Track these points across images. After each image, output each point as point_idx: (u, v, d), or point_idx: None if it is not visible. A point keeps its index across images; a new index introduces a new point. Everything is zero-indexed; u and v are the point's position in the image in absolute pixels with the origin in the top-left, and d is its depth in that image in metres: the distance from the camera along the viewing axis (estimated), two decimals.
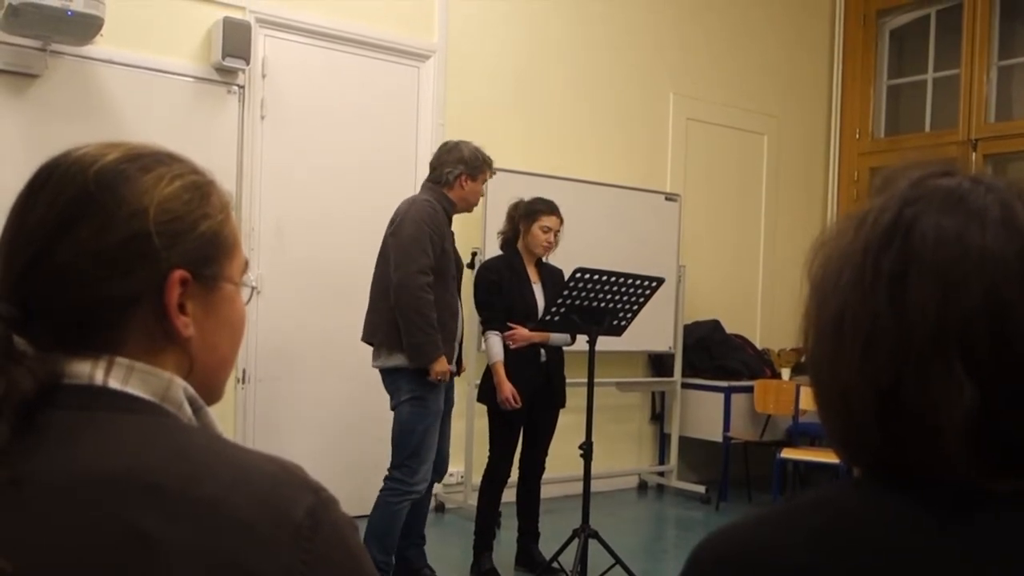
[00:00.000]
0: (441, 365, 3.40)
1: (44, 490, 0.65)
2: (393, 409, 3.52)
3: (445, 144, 3.71)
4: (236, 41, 4.30)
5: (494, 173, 3.78)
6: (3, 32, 3.79)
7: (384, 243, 3.56)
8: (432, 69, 5.06)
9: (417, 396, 3.43)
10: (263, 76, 4.55)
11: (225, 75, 4.41)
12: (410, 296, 3.36)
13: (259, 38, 4.51)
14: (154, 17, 4.23)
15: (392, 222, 3.54)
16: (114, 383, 0.71)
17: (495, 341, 3.79)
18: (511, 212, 3.98)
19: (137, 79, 4.18)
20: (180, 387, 0.74)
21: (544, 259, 3.99)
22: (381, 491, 3.46)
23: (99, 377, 0.71)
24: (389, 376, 3.50)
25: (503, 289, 3.82)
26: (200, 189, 0.77)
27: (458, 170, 3.57)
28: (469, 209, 3.74)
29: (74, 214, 0.72)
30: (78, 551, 0.63)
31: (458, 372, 3.75)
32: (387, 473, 3.49)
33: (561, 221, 3.91)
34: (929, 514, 0.62)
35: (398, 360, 3.44)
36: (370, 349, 3.60)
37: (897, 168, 0.69)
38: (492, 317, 3.83)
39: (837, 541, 0.62)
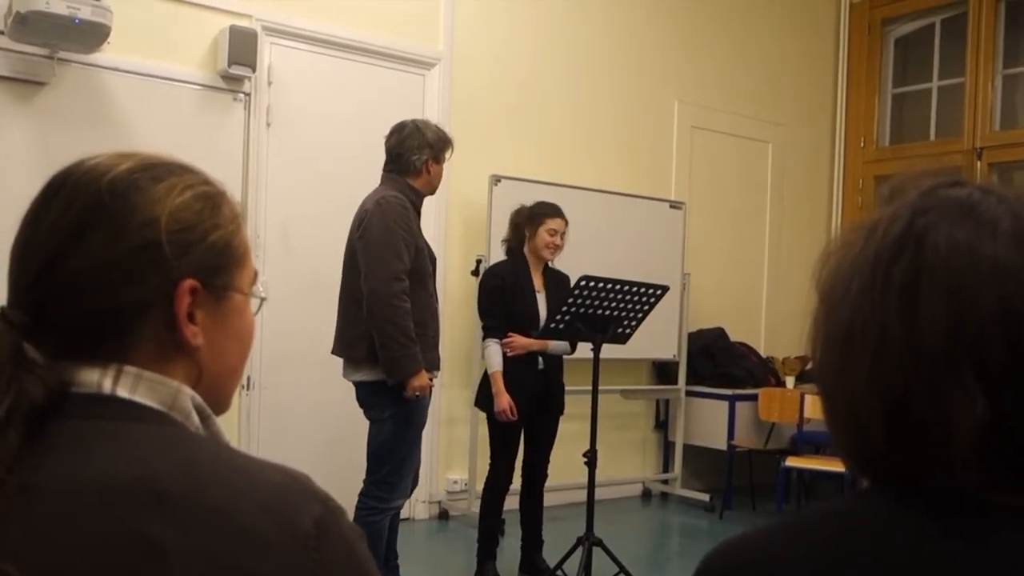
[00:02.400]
0: (420, 380, 3.11)
1: (53, 497, 0.65)
2: (372, 422, 3.27)
3: (401, 127, 3.36)
4: (242, 49, 4.32)
5: (453, 150, 3.46)
6: (11, 40, 3.81)
7: (351, 247, 3.29)
8: (437, 77, 5.07)
9: (403, 412, 3.19)
10: (269, 84, 4.56)
11: (231, 83, 4.42)
12: (385, 306, 3.08)
13: (265, 46, 4.52)
14: (161, 25, 4.25)
15: (359, 222, 3.26)
16: (122, 392, 0.71)
17: (495, 350, 3.78)
18: (514, 219, 3.97)
19: (144, 87, 4.19)
20: (188, 396, 0.74)
21: (550, 263, 3.99)
22: (358, 509, 3.21)
23: (107, 386, 0.71)
24: (370, 388, 3.22)
25: (506, 295, 3.82)
26: (211, 200, 0.78)
27: (425, 155, 3.28)
28: (433, 192, 3.43)
29: (87, 222, 0.72)
30: (86, 558, 0.63)
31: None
32: (363, 488, 3.25)
33: (566, 223, 3.90)
34: (937, 526, 0.62)
35: (380, 373, 3.18)
36: None
37: (906, 177, 0.69)
38: (494, 325, 3.82)
39: (844, 553, 0.62)
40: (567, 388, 4.00)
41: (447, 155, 3.39)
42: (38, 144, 3.91)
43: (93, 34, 3.76)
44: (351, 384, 3.23)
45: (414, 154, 3.28)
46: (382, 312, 3.10)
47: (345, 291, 3.33)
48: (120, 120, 4.13)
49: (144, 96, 4.19)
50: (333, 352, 3.40)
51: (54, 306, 0.72)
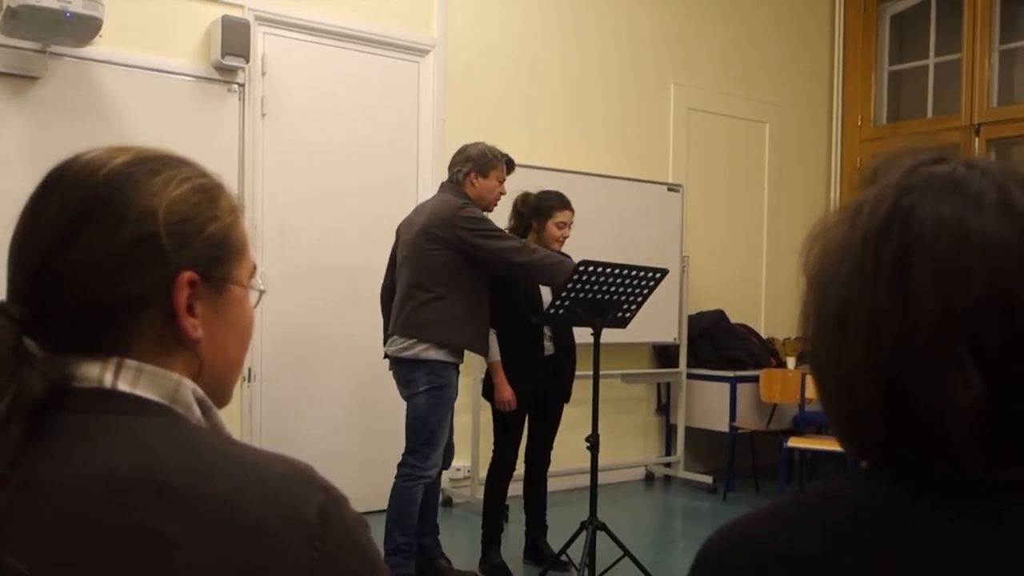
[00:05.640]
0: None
1: (56, 493, 0.65)
2: (407, 398, 3.58)
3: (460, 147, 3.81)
4: (235, 39, 4.30)
5: (512, 168, 3.76)
6: (2, 34, 3.79)
7: (406, 234, 3.64)
8: (432, 64, 5.06)
9: (435, 387, 3.52)
10: (263, 74, 4.55)
11: (225, 73, 4.41)
12: (530, 266, 3.53)
13: (258, 36, 4.50)
14: (153, 17, 4.23)
15: (415, 223, 3.62)
16: (123, 385, 0.71)
17: (491, 340, 3.78)
18: (518, 207, 3.95)
19: (137, 79, 4.18)
20: (189, 388, 0.74)
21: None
22: (396, 477, 3.57)
23: (108, 379, 0.71)
24: (406, 366, 3.55)
25: (508, 285, 3.80)
26: (209, 192, 0.78)
27: (467, 168, 3.65)
28: (488, 207, 3.74)
29: (84, 216, 0.72)
30: (91, 553, 0.63)
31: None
32: (401, 459, 3.58)
33: (573, 213, 3.89)
34: (937, 505, 0.61)
35: (418, 350, 3.51)
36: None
37: (888, 157, 0.68)
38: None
39: (846, 533, 0.62)
40: None
41: (499, 172, 3.70)
42: (32, 139, 3.90)
43: (85, 27, 3.74)
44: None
45: (458, 167, 3.68)
46: (531, 272, 3.61)
47: (401, 274, 3.66)
48: (114, 113, 4.12)
49: (138, 89, 4.17)
50: (387, 331, 3.70)
51: (53, 300, 0.72)
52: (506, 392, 3.72)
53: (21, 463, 0.66)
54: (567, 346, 3.95)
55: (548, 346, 3.88)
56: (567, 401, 3.99)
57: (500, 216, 3.95)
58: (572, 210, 3.88)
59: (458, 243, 3.52)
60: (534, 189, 4.01)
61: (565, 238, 3.87)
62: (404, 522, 3.52)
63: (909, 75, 6.76)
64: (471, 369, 5.00)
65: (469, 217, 3.54)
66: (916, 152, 0.67)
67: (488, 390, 3.87)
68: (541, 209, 3.86)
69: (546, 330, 3.87)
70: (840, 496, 0.65)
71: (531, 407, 3.86)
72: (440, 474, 3.75)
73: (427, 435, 3.53)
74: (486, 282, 3.65)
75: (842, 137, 6.82)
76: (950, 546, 0.60)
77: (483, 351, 3.70)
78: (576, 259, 3.67)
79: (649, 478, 5.98)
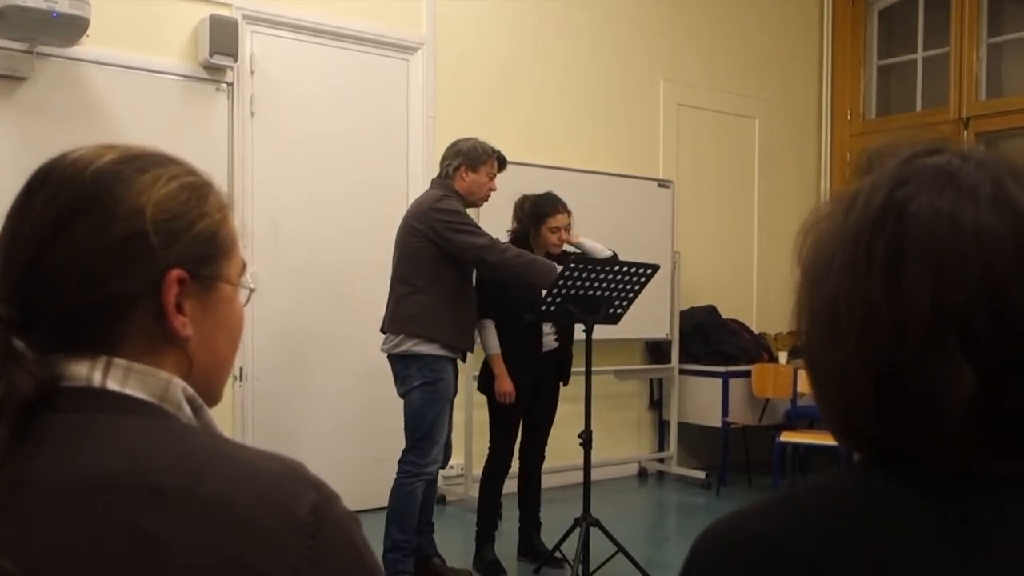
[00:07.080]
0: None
1: (47, 493, 0.65)
2: (403, 395, 3.59)
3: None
4: (223, 38, 4.29)
5: (504, 165, 3.74)
6: None
7: (399, 233, 3.65)
8: (421, 61, 5.05)
9: (429, 382, 3.52)
10: (251, 73, 4.53)
11: (213, 73, 4.39)
12: (500, 265, 3.52)
13: (246, 35, 4.49)
14: (140, 16, 4.21)
15: (411, 222, 3.64)
16: (112, 384, 0.71)
17: (491, 332, 3.78)
18: (517, 212, 3.94)
19: (125, 79, 4.16)
20: (179, 387, 0.73)
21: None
22: (396, 475, 3.58)
23: (97, 379, 0.71)
24: (401, 362, 3.56)
25: (506, 283, 3.78)
26: (197, 190, 0.77)
27: (457, 162, 3.64)
28: (477, 202, 3.74)
29: (72, 214, 0.72)
30: (83, 554, 0.63)
31: (463, 358, 3.76)
32: (401, 456, 3.59)
33: (569, 214, 3.88)
34: (931, 498, 0.61)
35: (410, 345, 3.52)
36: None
37: (883, 147, 0.68)
38: (486, 304, 3.80)
39: (839, 528, 0.61)
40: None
41: (489, 168, 3.68)
42: (20, 140, 3.88)
43: (72, 27, 3.73)
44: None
45: (448, 160, 3.69)
46: (504, 271, 3.58)
47: (394, 273, 3.68)
48: (103, 113, 4.10)
49: (126, 89, 4.16)
50: (382, 329, 3.70)
51: (41, 300, 0.71)
52: (506, 384, 3.72)
53: (10, 463, 0.65)
54: (569, 336, 3.94)
55: (547, 341, 3.88)
56: (566, 383, 3.98)
57: (503, 219, 3.94)
58: (567, 213, 3.87)
59: (432, 235, 3.52)
60: (525, 186, 4.01)
61: (562, 242, 3.87)
62: (403, 520, 3.52)
63: (898, 69, 6.78)
64: (464, 366, 5.00)
65: (444, 209, 3.53)
66: (911, 142, 0.67)
67: (484, 383, 3.87)
68: (535, 215, 3.86)
69: (549, 325, 3.86)
70: (834, 491, 0.65)
71: (529, 403, 3.85)
72: (436, 474, 3.74)
73: (425, 431, 3.53)
74: (470, 276, 3.63)
75: (831, 131, 6.84)
76: (946, 540, 0.60)
77: (467, 345, 3.66)
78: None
79: (642, 474, 5.99)
